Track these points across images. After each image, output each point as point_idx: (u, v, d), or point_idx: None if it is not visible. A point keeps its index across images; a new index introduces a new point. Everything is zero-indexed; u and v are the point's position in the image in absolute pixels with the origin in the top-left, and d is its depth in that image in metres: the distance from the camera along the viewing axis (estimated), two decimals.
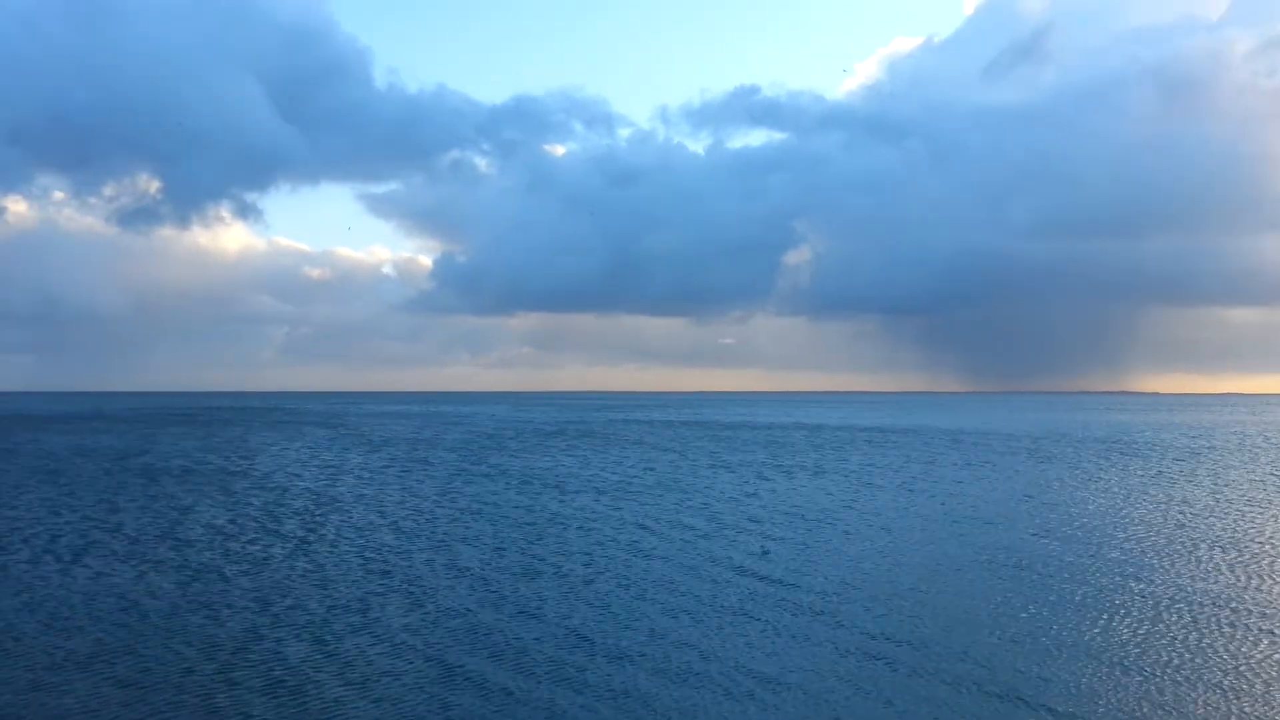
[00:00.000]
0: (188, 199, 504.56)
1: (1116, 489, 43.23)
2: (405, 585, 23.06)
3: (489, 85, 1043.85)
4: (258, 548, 28.07)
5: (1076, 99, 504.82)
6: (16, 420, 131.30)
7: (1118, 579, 23.58)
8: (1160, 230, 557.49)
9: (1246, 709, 14.34)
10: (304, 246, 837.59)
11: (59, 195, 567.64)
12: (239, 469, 53.83)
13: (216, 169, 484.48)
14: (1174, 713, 14.14)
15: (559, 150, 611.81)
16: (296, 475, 50.17)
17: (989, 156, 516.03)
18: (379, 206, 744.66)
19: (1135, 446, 74.19)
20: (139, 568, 25.13)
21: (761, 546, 28.18)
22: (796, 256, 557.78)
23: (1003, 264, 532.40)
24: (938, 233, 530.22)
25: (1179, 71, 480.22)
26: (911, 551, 27.50)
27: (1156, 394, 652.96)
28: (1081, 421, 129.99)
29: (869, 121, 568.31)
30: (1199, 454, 66.19)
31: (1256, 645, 17.74)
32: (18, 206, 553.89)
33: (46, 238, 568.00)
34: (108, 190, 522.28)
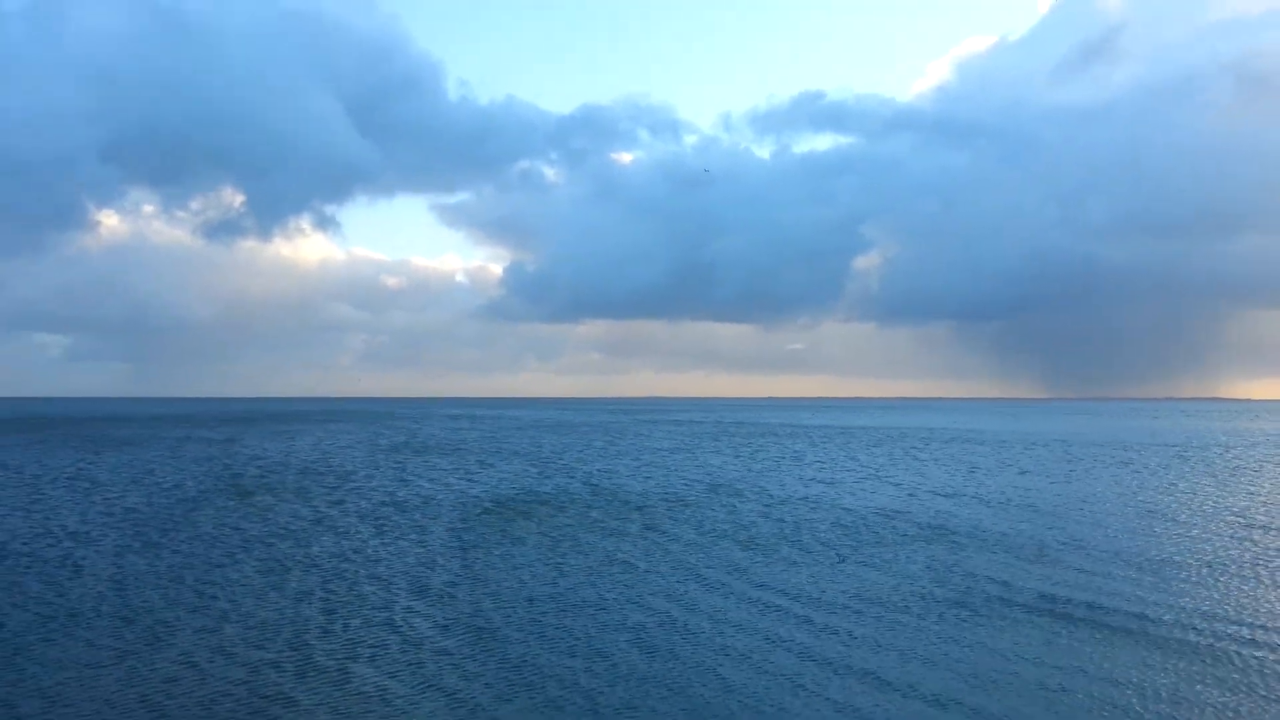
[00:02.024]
0: (270, 212, 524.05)
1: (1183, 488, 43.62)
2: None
3: (557, 95, 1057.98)
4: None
5: (1154, 95, 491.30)
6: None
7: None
8: (1246, 229, 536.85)
9: None
10: (381, 256, 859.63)
11: (149, 209, 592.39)
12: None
13: (297, 183, 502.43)
14: None
15: (626, 158, 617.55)
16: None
17: (1063, 156, 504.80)
18: (451, 216, 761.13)
19: (1212, 451, 73.26)
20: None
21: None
22: (866, 261, 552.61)
23: (1080, 266, 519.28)
24: (1011, 235, 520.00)
25: (1259, 66, 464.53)
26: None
27: (1249, 400, 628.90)
28: (1174, 428, 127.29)
29: (939, 123, 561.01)
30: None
31: None
32: (110, 220, 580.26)
33: (137, 250, 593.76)
34: (195, 204, 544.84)
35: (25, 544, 28.13)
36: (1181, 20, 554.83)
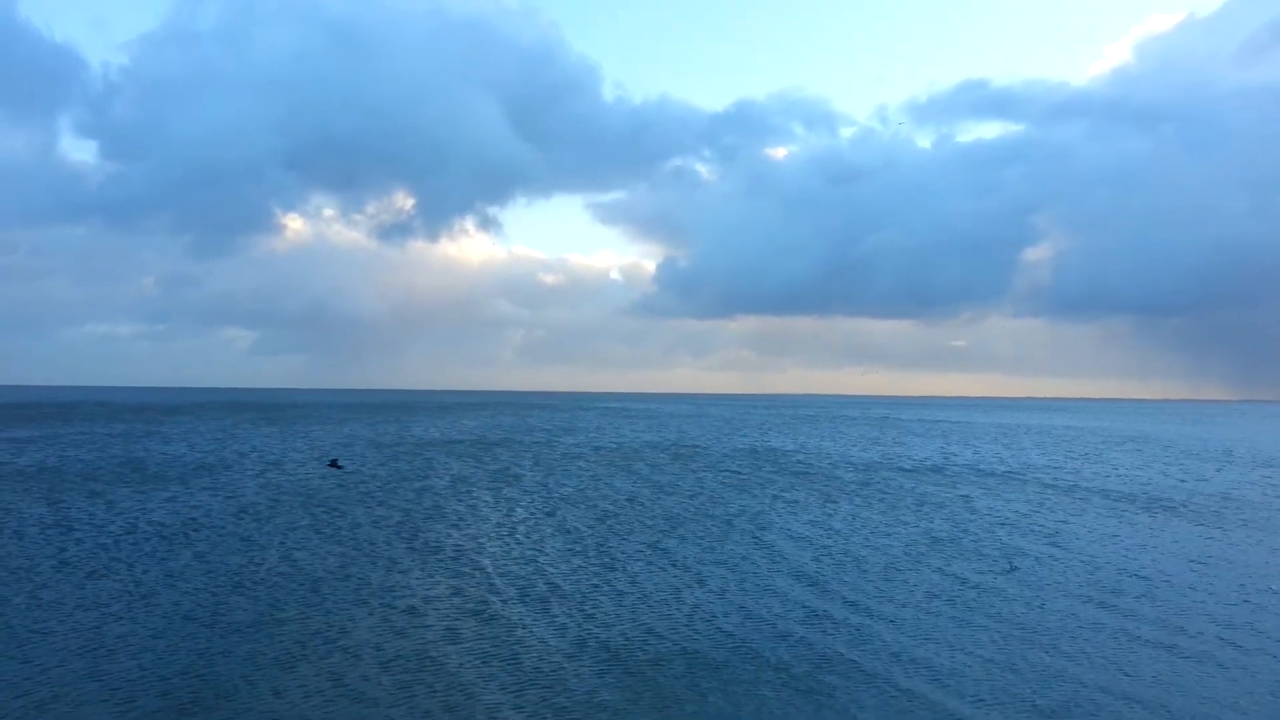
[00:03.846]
0: (437, 214, 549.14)
1: None
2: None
3: (710, 92, 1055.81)
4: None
5: None
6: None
7: None
8: None
9: None
10: (539, 254, 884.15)
11: (329, 213, 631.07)
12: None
13: (462, 186, 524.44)
14: None
15: (780, 153, 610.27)
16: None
17: (1255, 141, 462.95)
18: (606, 214, 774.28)
19: None
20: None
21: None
22: (1035, 254, 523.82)
23: (1273, 259, 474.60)
24: (1196, 225, 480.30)
25: None
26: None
27: None
28: None
29: (1117, 107, 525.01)
30: None
31: None
32: (295, 224, 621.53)
33: (318, 251, 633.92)
34: (370, 208, 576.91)
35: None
36: None
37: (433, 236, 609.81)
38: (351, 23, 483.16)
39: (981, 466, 55.14)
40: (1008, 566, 24.20)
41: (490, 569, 23.40)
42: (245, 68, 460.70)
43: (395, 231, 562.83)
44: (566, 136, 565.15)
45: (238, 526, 29.39)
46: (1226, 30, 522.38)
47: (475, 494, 38.73)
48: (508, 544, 26.97)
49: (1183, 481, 47.12)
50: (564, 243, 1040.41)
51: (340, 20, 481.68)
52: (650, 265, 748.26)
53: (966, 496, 39.48)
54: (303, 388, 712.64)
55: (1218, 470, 54.23)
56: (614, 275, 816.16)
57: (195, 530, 28.57)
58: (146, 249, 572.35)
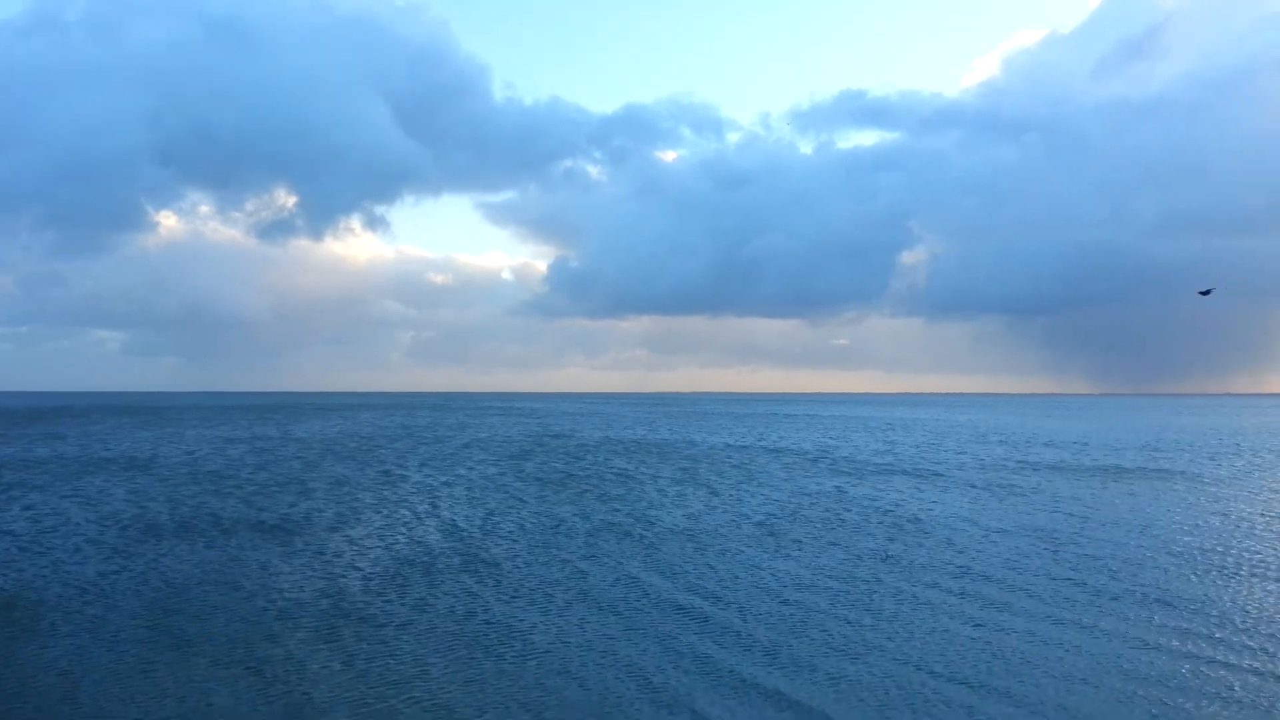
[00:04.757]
0: (321, 212, 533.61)
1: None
2: None
3: (600, 95, 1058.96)
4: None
5: (1204, 90, 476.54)
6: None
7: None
8: None
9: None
10: (428, 253, 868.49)
11: (205, 210, 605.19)
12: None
13: (347, 184, 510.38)
14: None
15: (669, 156, 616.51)
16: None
17: (1112, 152, 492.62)
18: (496, 214, 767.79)
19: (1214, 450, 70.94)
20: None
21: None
22: (912, 257, 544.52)
23: (1130, 262, 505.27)
24: (1060, 231, 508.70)
25: None
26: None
27: None
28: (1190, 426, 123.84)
29: (986, 118, 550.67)
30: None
31: None
32: (168, 221, 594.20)
33: (194, 249, 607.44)
34: (249, 205, 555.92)
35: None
36: (1232, 14, 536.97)
37: (317, 235, 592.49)
38: (231, 16, 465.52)
39: (851, 456, 57.21)
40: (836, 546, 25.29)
41: (368, 570, 23.11)
42: (117, 59, 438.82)
43: (276, 230, 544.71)
44: (456, 136, 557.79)
45: (101, 535, 28.18)
46: (1085, 47, 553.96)
47: (357, 495, 38.06)
48: (388, 544, 26.66)
49: (1036, 471, 49.94)
50: (454, 242, 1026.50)
51: (219, 13, 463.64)
52: (542, 266, 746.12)
53: (839, 487, 40.97)
54: (178, 390, 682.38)
55: (1073, 456, 57.68)
56: (505, 275, 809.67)
57: (54, 537, 27.29)
58: (8, 247, 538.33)
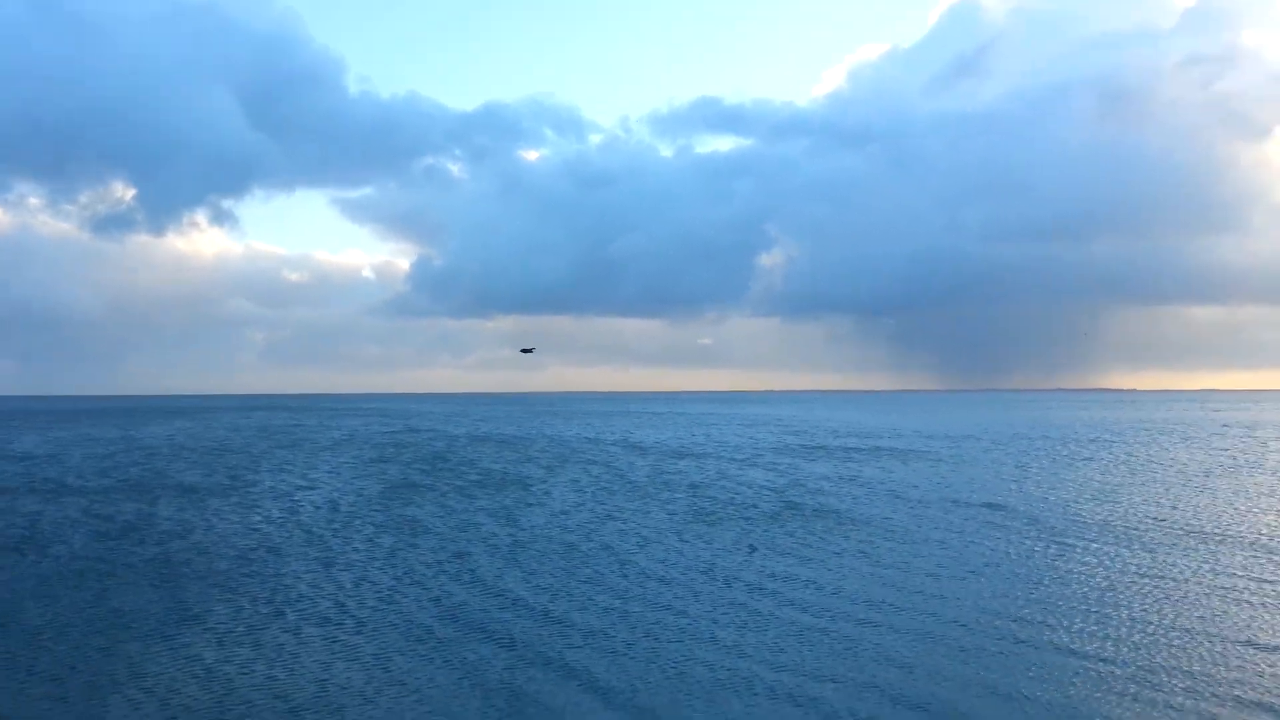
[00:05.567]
0: (162, 206, 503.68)
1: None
2: None
3: (460, 93, 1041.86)
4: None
5: (1026, 106, 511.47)
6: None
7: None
8: (1107, 232, 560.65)
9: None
10: (281, 250, 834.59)
11: (34, 202, 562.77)
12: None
13: (191, 177, 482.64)
14: None
15: (532, 155, 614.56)
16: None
17: (945, 162, 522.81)
18: (354, 211, 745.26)
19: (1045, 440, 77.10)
20: None
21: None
22: (769, 259, 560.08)
23: (963, 266, 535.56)
24: (901, 236, 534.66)
25: (1118, 82, 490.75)
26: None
27: (1134, 390, 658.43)
28: (1014, 419, 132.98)
29: (833, 127, 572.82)
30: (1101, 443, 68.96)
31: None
32: None
33: (21, 244, 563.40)
34: (83, 198, 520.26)
35: None
36: (1060, 34, 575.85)
37: (158, 230, 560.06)
38: None
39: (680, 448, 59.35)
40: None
41: (221, 579, 22.99)
42: None
43: (112, 224, 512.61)
44: (306, 128, 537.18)
45: None
46: (923, 62, 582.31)
47: (206, 501, 37.18)
48: (244, 554, 26.44)
49: (891, 473, 53.11)
50: (309, 239, 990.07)
51: None
52: (403, 264, 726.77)
53: (698, 482, 42.60)
54: (6, 394, 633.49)
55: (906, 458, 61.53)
56: (365, 274, 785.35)
57: None
58: None
